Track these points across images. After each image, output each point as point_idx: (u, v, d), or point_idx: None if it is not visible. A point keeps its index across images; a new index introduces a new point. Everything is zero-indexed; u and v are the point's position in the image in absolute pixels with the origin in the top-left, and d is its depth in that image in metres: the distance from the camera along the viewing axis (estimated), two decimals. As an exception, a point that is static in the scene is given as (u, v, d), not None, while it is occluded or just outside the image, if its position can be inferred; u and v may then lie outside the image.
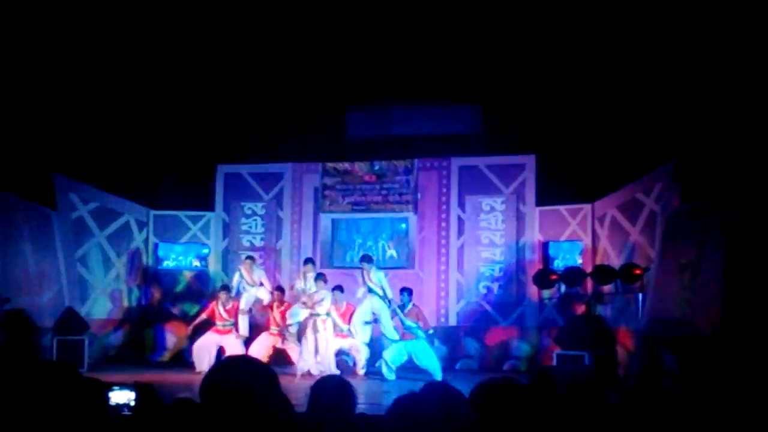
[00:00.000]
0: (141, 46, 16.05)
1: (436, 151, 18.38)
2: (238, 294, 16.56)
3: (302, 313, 15.66)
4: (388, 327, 15.45)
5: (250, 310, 16.67)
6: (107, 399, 5.16)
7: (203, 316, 16.48)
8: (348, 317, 15.66)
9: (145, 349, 18.02)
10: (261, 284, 16.75)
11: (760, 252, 9.83)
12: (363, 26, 16.05)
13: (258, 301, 16.67)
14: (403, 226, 18.68)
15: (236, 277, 16.82)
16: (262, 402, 3.04)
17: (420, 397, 3.18)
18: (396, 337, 15.26)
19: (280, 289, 16.54)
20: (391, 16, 15.64)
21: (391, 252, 18.76)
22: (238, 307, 16.31)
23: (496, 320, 17.47)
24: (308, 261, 16.68)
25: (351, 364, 15.94)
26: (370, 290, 15.69)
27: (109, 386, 5.30)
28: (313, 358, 15.16)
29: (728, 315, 10.23)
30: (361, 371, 15.52)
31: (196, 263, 18.78)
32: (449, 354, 17.17)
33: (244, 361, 3.35)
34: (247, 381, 3.05)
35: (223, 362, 3.45)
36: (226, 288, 16.59)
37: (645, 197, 14.49)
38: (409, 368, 15.27)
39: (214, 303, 16.37)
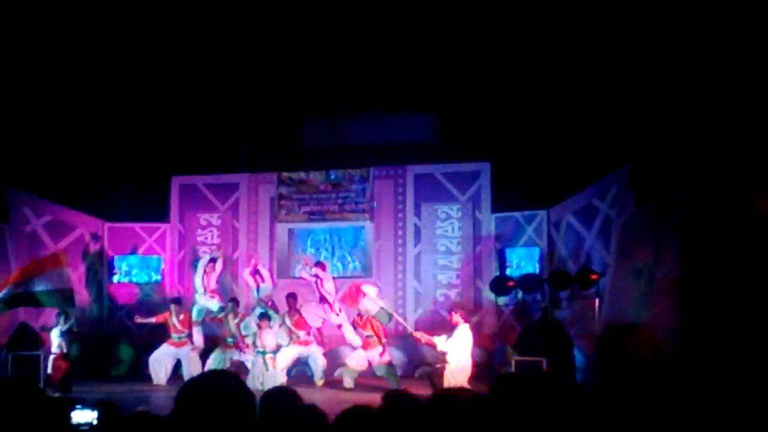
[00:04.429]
0: (93, 59, 15.94)
1: (392, 159, 18.41)
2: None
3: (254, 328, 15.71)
4: (351, 334, 15.47)
5: (203, 321, 16.63)
6: (69, 419, 5.10)
7: (153, 320, 16.41)
8: (303, 325, 15.61)
9: (102, 363, 17.81)
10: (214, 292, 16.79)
11: (714, 255, 9.92)
12: (317, 37, 16.08)
13: (208, 312, 16.62)
14: (361, 235, 18.76)
15: (198, 276, 16.80)
16: (238, 417, 3.02)
17: (380, 407, 3.17)
18: (359, 343, 15.27)
19: (234, 300, 16.46)
20: (345, 26, 15.67)
21: (355, 264, 18.82)
22: (191, 319, 16.30)
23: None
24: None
25: (309, 374, 15.91)
26: (322, 299, 15.71)
27: (72, 405, 5.24)
28: (261, 377, 15.05)
29: (684, 318, 10.31)
30: (319, 381, 15.49)
31: (153, 275, 18.65)
32: (407, 362, 17.16)
33: (226, 376, 3.32)
34: (227, 396, 3.02)
35: (204, 375, 3.41)
36: (178, 300, 16.58)
37: (600, 202, 14.57)
38: (367, 376, 15.29)
39: (167, 315, 16.28)
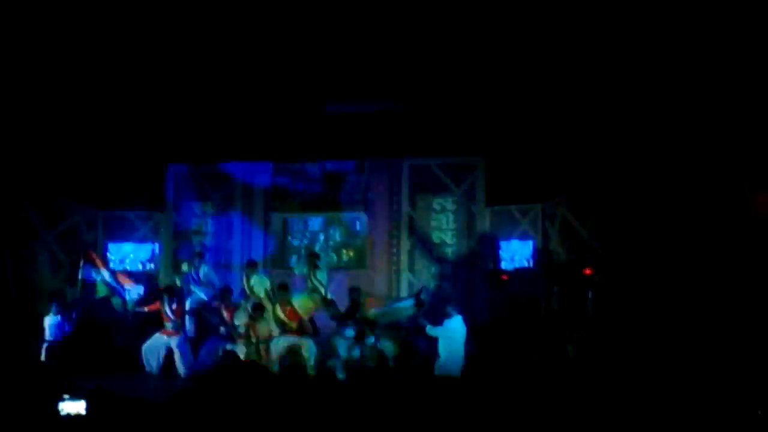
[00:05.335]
0: (89, 44, 15.89)
1: (387, 151, 18.35)
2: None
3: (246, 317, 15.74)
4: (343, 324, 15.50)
5: (197, 310, 16.59)
6: (58, 410, 5.02)
7: (145, 309, 16.43)
8: (295, 315, 15.61)
9: (94, 351, 17.76)
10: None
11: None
12: (314, 26, 16.07)
13: (201, 301, 16.61)
14: (356, 226, 18.72)
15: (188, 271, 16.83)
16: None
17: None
18: (351, 334, 15.28)
19: (227, 290, 16.42)
20: (337, 21, 15.69)
21: (349, 255, 18.77)
22: (183, 308, 16.26)
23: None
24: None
25: (302, 364, 15.88)
26: (314, 290, 15.74)
27: (60, 395, 5.15)
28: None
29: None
30: (311, 371, 15.48)
31: (147, 264, 18.63)
32: (399, 353, 17.13)
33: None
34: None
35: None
36: (171, 289, 16.49)
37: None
38: (359, 366, 15.31)
39: (159, 304, 16.27)
